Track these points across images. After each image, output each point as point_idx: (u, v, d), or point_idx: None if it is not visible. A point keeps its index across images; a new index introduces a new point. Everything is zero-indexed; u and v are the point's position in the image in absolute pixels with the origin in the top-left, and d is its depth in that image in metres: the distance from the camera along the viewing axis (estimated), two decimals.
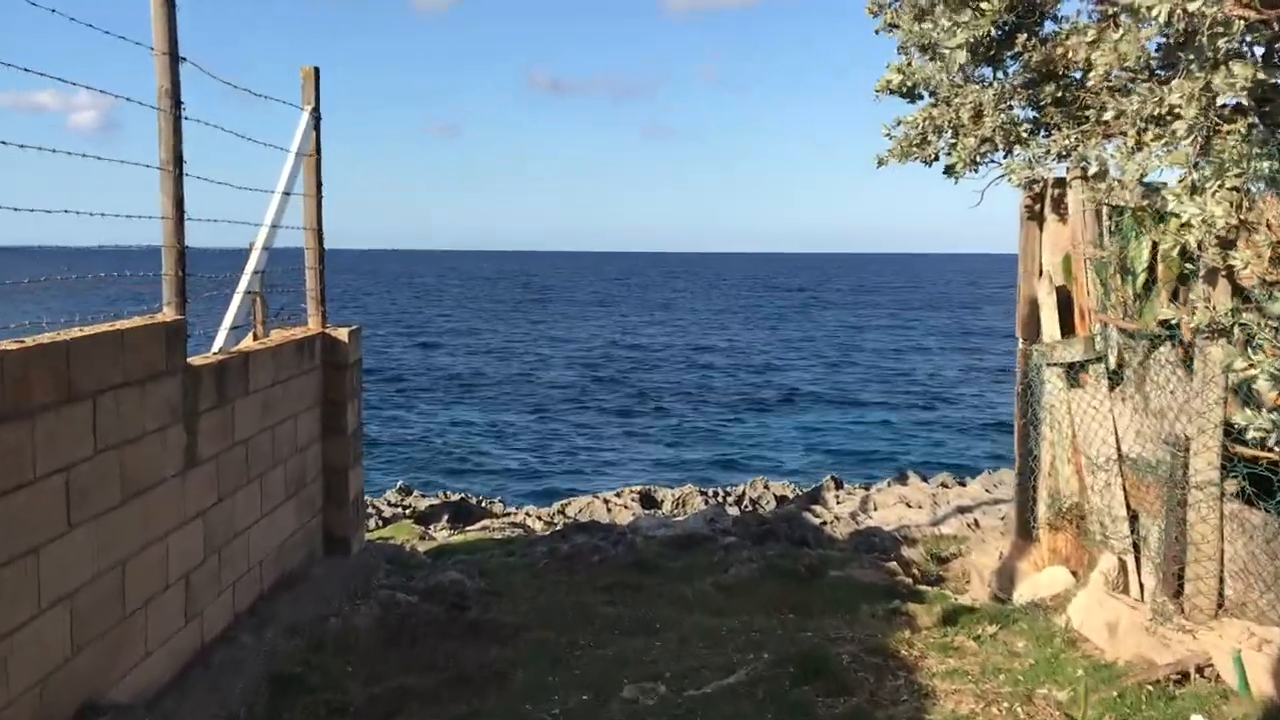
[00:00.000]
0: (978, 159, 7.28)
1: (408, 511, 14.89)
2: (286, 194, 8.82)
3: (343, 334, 9.69)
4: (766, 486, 17.14)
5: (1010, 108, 7.10)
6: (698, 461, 30.34)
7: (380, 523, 13.85)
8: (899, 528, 12.36)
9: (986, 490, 14.57)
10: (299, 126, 9.34)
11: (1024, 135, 7.06)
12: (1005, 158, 7.38)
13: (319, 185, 9.77)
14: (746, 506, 16.34)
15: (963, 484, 16.36)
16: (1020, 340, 8.13)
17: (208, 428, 6.76)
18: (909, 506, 13.50)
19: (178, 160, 6.20)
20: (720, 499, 16.20)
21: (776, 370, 57.46)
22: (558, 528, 13.49)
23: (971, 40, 6.29)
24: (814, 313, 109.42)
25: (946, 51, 6.37)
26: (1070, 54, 6.63)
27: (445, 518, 14.51)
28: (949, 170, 8.16)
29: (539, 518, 14.63)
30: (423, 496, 16.45)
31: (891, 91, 8.09)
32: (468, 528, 13.35)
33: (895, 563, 9.69)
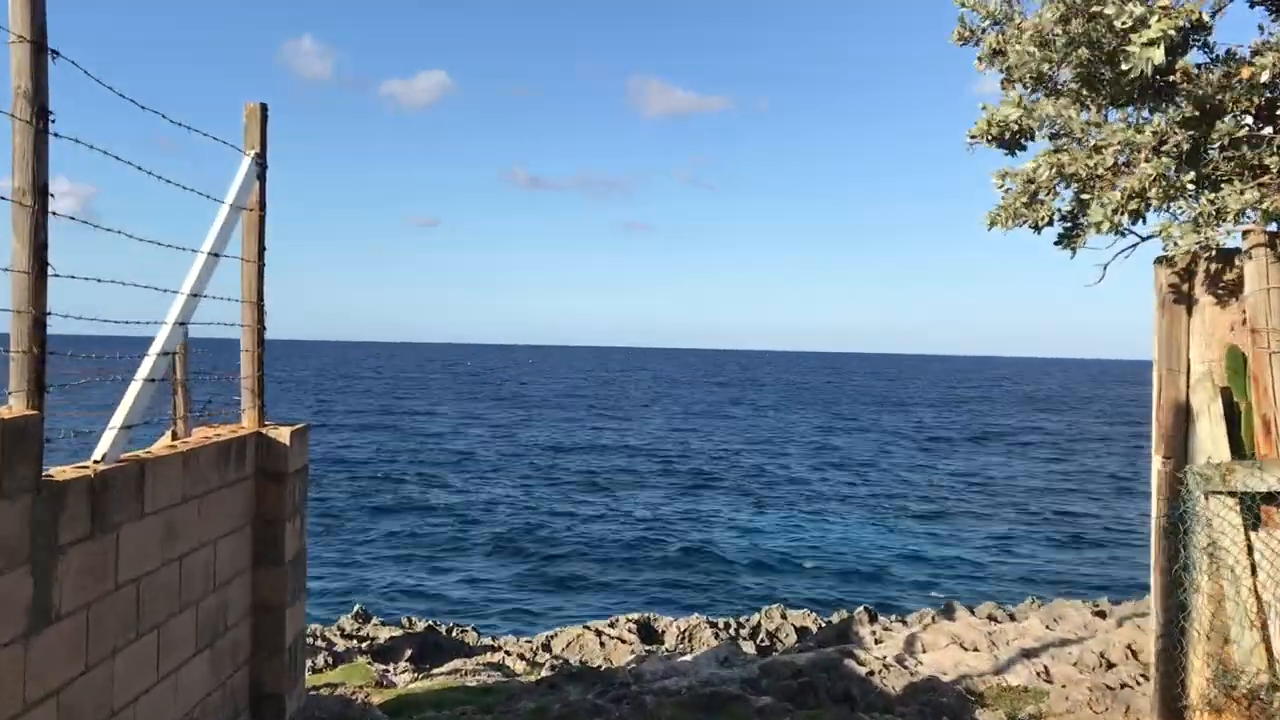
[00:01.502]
0: (1123, 219, 5.68)
1: (364, 645, 12.88)
2: (215, 255, 7.13)
3: (283, 434, 7.92)
4: (784, 616, 15.24)
5: (1168, 153, 5.53)
6: (692, 583, 28.31)
7: (330, 660, 11.84)
8: (959, 678, 10.50)
9: (1047, 626, 12.75)
10: (239, 174, 7.72)
11: (1188, 187, 5.48)
12: (1156, 217, 5.79)
13: (261, 249, 8.11)
14: (763, 640, 14.43)
15: (1013, 618, 14.51)
16: (1159, 459, 6.45)
17: (74, 568, 4.95)
18: (964, 649, 11.65)
19: (39, 191, 4.51)
20: (733, 632, 14.27)
21: (778, 473, 55.68)
22: (544, 670, 11.55)
23: (1169, 35, 4.72)
24: (770, 412, 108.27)
25: (1132, 50, 4.81)
26: (1255, 76, 5.08)
27: (408, 654, 12.50)
28: (1065, 238, 6.58)
29: (520, 655, 12.66)
30: (383, 624, 14.44)
31: (991, 139, 6.53)
32: (435, 670, 11.36)
33: None
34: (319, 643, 12.60)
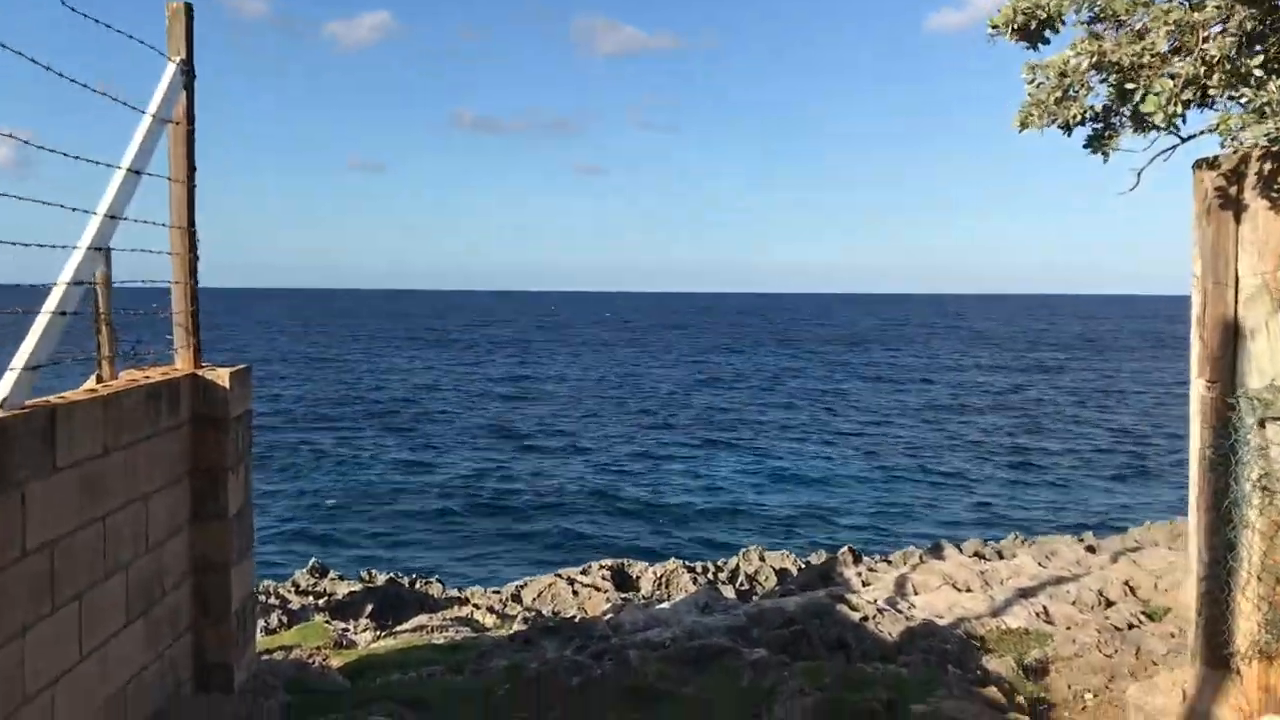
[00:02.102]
0: (1176, 109, 5.05)
1: (322, 602, 12.22)
2: (136, 173, 6.31)
3: (222, 376, 7.16)
4: (762, 559, 14.77)
5: (1230, 33, 4.89)
6: (663, 528, 27.79)
7: (285, 619, 11.18)
8: (956, 621, 10.05)
9: (1039, 564, 12.35)
10: (161, 82, 6.86)
11: (1255, 73, 4.84)
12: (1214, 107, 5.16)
13: (191, 167, 7.28)
14: (742, 584, 13.96)
15: (1001, 555, 14.14)
16: (1203, 384, 5.89)
17: None
18: (957, 589, 11.21)
19: None
20: (711, 576, 13.78)
21: (742, 412, 55.49)
22: (516, 623, 10.99)
23: None
24: (752, 353, 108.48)
25: None
26: None
27: (370, 609, 11.87)
28: (1097, 140, 5.96)
29: (490, 608, 12.08)
30: (342, 579, 13.78)
31: (1015, 30, 5.86)
32: (399, 627, 10.74)
33: (994, 687, 7.35)
34: (272, 600, 11.93)
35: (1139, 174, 6.07)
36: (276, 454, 39.66)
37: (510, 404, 59.24)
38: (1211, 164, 5.88)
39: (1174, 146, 5.93)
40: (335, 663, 9.22)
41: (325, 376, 73.90)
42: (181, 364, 7.28)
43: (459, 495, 32.10)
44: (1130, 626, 9.67)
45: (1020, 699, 7.38)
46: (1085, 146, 6.07)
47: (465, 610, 11.61)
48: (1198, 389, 6.03)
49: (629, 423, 51.09)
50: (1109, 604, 11.09)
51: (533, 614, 11.61)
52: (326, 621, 10.93)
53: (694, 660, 8.05)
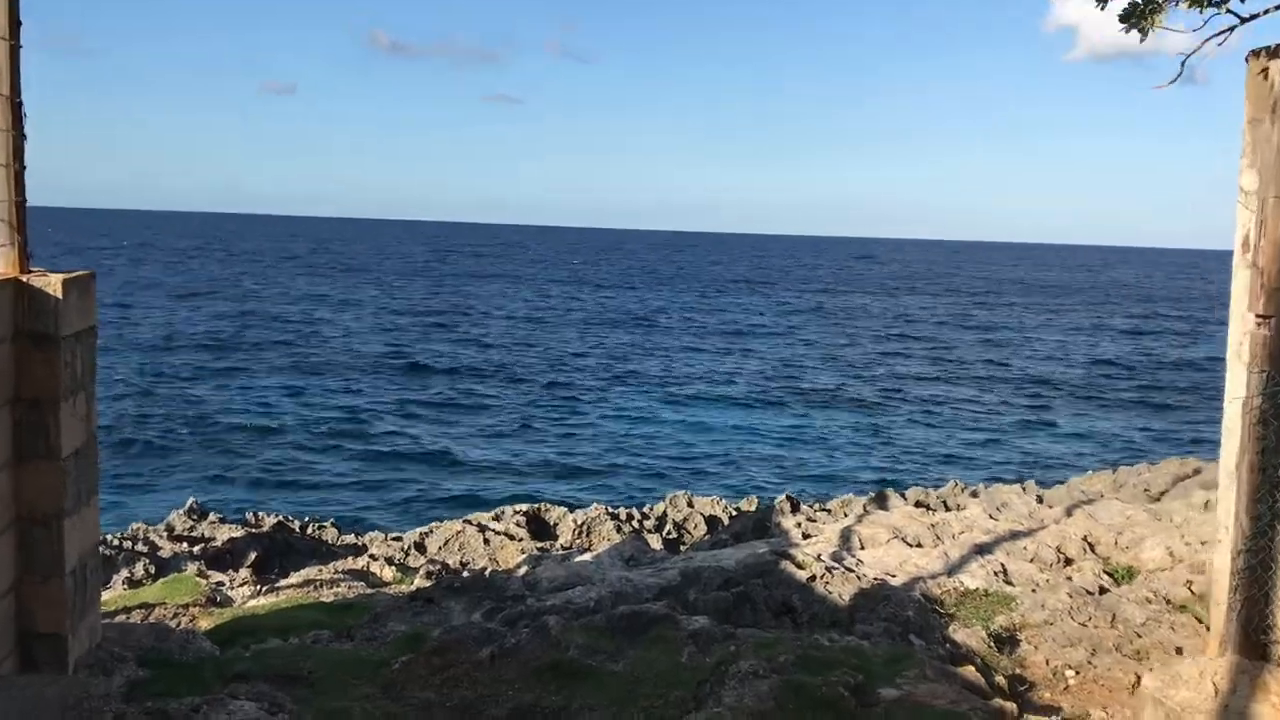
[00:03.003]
0: None
1: (197, 549, 10.98)
2: None
3: (53, 284, 5.89)
4: (690, 504, 13.88)
5: None
6: (583, 469, 26.66)
7: (151, 570, 9.93)
8: (910, 581, 9.25)
9: (990, 516, 11.66)
10: None
11: None
12: None
13: (14, 22, 5.90)
14: (670, 533, 13.06)
15: (947, 505, 13.48)
16: (1252, 320, 5.00)
17: None
18: (908, 544, 10.43)
19: None
20: (636, 523, 12.84)
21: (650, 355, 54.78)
22: (418, 577, 9.92)
23: None
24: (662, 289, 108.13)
25: None
26: None
27: (252, 558, 10.68)
28: (1135, 14, 5.00)
29: (388, 559, 10.98)
30: (222, 522, 12.51)
31: None
32: (283, 581, 9.57)
33: (969, 665, 6.50)
34: (139, 547, 10.65)
35: (1184, 61, 5.11)
36: (160, 380, 37.62)
37: (420, 336, 57.60)
38: (1277, 51, 4.94)
39: (1232, 28, 4.98)
40: (204, 624, 8.07)
41: (213, 305, 71.14)
42: (3, 267, 5.98)
43: (360, 432, 30.64)
44: (1102, 590, 8.96)
45: (1000, 679, 6.55)
46: (1122, 21, 5.09)
47: (361, 561, 10.48)
48: (1243, 326, 5.14)
49: (542, 360, 49.92)
50: (1068, 561, 10.42)
51: (437, 566, 10.54)
52: (200, 574, 9.72)
53: (625, 629, 7.07)
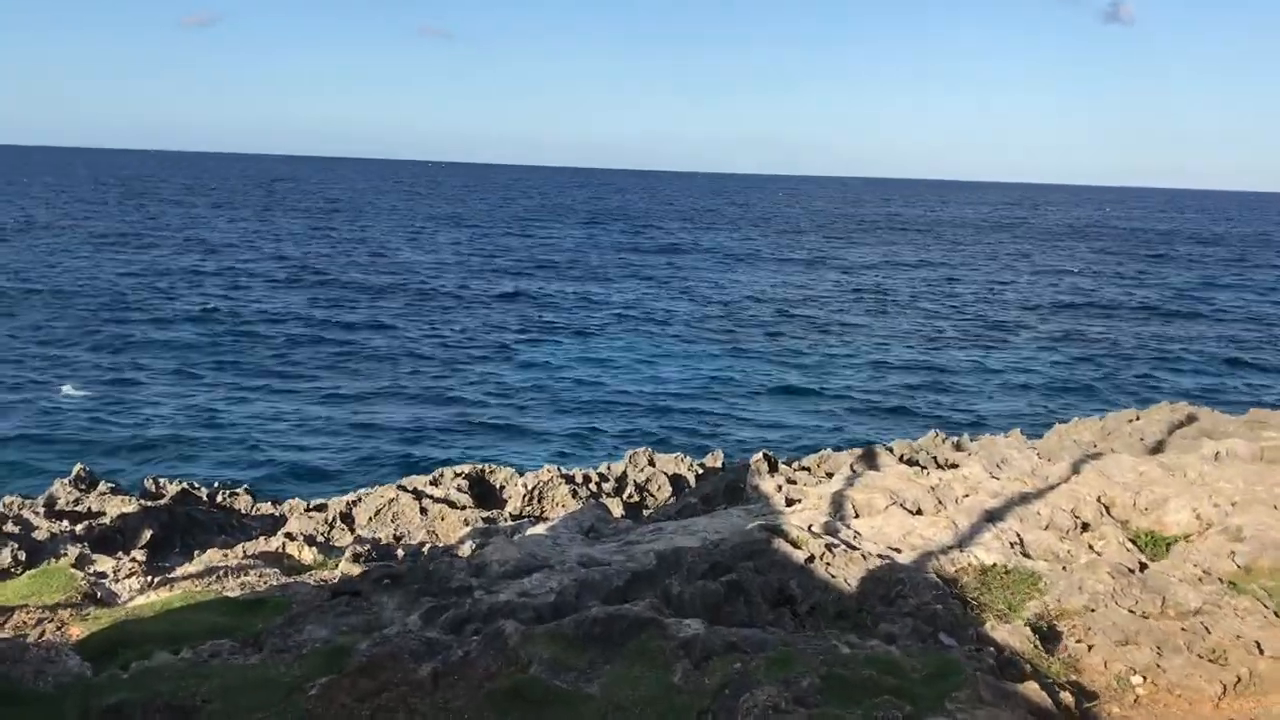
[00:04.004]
0: None
1: (81, 528, 9.47)
2: None
3: None
4: (652, 462, 12.64)
5: None
6: (527, 427, 24.99)
7: (20, 558, 8.44)
8: (920, 557, 8.11)
9: (992, 475, 10.57)
10: None
11: None
12: None
13: None
14: (631, 496, 11.83)
15: (938, 462, 12.39)
16: None
17: None
18: (908, 511, 9.29)
19: None
20: (594, 486, 11.56)
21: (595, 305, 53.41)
22: (344, 560, 8.57)
23: None
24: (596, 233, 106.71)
25: None
26: None
27: (147, 538, 9.23)
28: None
29: (309, 537, 9.60)
30: (114, 492, 10.98)
31: None
32: (179, 571, 8.14)
33: (1032, 684, 5.33)
34: (9, 528, 9.12)
35: None
36: (54, 326, 35.23)
37: (348, 272, 55.48)
38: None
39: None
40: (76, 632, 6.67)
41: (128, 244, 68.11)
42: None
43: (280, 386, 28.70)
44: (1142, 567, 7.88)
45: (1066, 696, 5.39)
46: None
47: (275, 542, 9.07)
48: None
49: (471, 301, 48.12)
50: (1085, 527, 9.37)
51: (366, 546, 9.18)
52: (80, 559, 8.26)
53: (600, 638, 5.81)
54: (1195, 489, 10.11)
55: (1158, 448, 13.96)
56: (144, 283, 48.28)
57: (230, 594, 7.44)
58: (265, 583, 7.74)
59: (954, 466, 12.55)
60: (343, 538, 10.02)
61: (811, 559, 7.60)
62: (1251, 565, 8.19)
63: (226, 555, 8.40)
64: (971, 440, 14.45)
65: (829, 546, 7.80)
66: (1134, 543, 9.09)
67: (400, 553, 9.11)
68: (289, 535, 9.35)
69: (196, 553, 9.11)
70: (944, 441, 14.33)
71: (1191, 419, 14.93)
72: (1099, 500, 9.92)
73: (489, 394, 28.55)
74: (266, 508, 11.27)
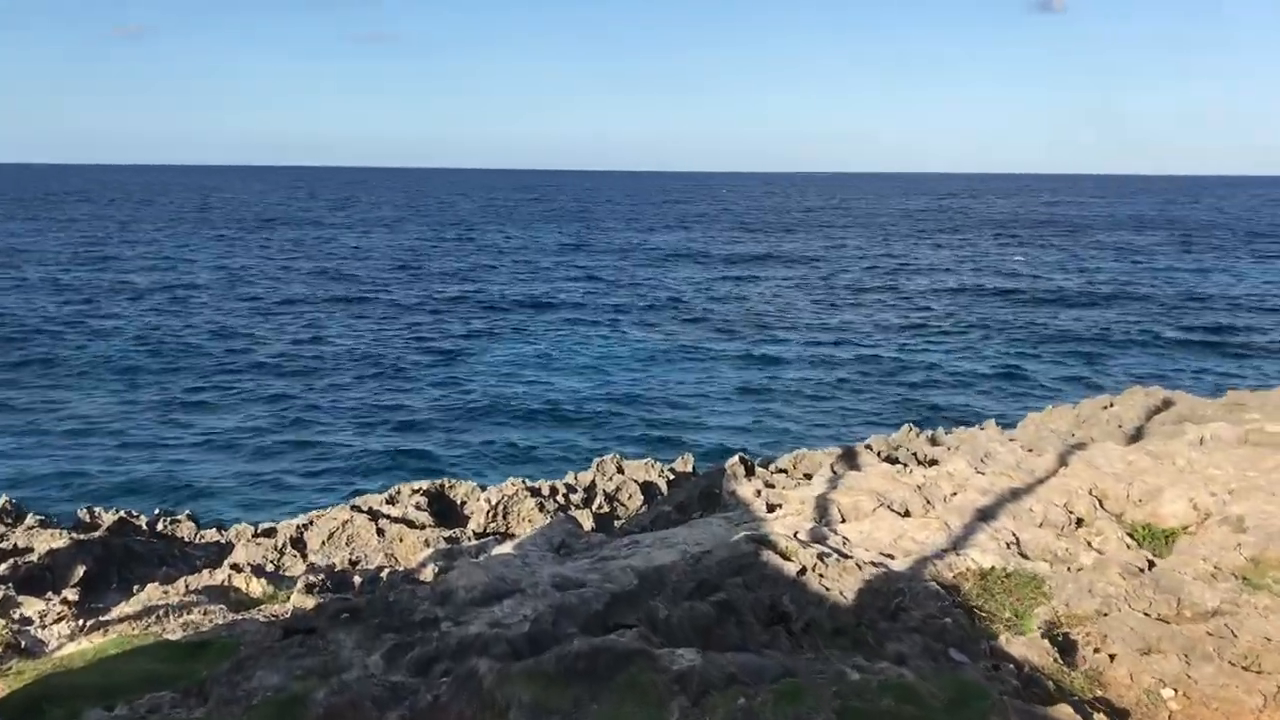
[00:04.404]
0: None
1: (4, 568, 8.74)
2: None
3: None
4: (621, 469, 12.11)
5: None
6: (488, 440, 24.22)
7: None
8: (916, 562, 7.67)
9: (978, 470, 10.17)
10: None
11: None
12: None
13: None
14: (601, 507, 11.29)
15: (918, 459, 11.98)
16: None
17: None
18: (897, 513, 8.85)
19: None
20: (561, 498, 11.00)
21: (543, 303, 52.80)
22: (297, 591, 7.97)
23: None
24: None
25: None
26: None
27: (80, 575, 8.54)
28: None
29: (258, 567, 8.96)
30: (44, 525, 10.24)
31: None
32: (114, 612, 7.47)
33: (1065, 707, 4.87)
34: None
35: None
36: None
37: (287, 284, 54.35)
38: None
39: None
40: None
41: (52, 261, 66.44)
42: None
43: (225, 400, 27.77)
44: (1150, 565, 7.48)
45: (1100, 719, 4.94)
46: None
47: (220, 574, 8.42)
48: None
49: (414, 309, 47.20)
50: (1079, 522, 9.00)
51: (321, 573, 8.56)
52: (1, 607, 7.55)
53: (584, 673, 5.27)
54: (1187, 477, 9.78)
55: (1137, 434, 13.70)
56: (70, 301, 46.88)
57: (171, 636, 6.80)
58: (210, 621, 7.10)
59: (934, 463, 12.16)
60: (294, 565, 9.38)
61: (803, 571, 7.11)
62: (1259, 557, 7.84)
63: (167, 592, 7.74)
64: (947, 434, 14.09)
65: (821, 556, 7.32)
66: (1131, 537, 8.74)
67: (357, 579, 8.51)
68: (235, 567, 8.69)
69: (135, 588, 8.45)
70: (919, 436, 13.95)
71: (1168, 403, 14.70)
72: (1091, 493, 9.56)
73: (441, 404, 27.81)
74: (211, 535, 10.59)
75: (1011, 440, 12.55)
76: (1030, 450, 11.30)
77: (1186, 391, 15.94)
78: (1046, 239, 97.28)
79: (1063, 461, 10.53)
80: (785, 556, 7.31)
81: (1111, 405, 15.18)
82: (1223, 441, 11.44)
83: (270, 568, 9.59)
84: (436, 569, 8.51)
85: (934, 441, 13.78)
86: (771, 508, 9.49)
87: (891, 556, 7.91)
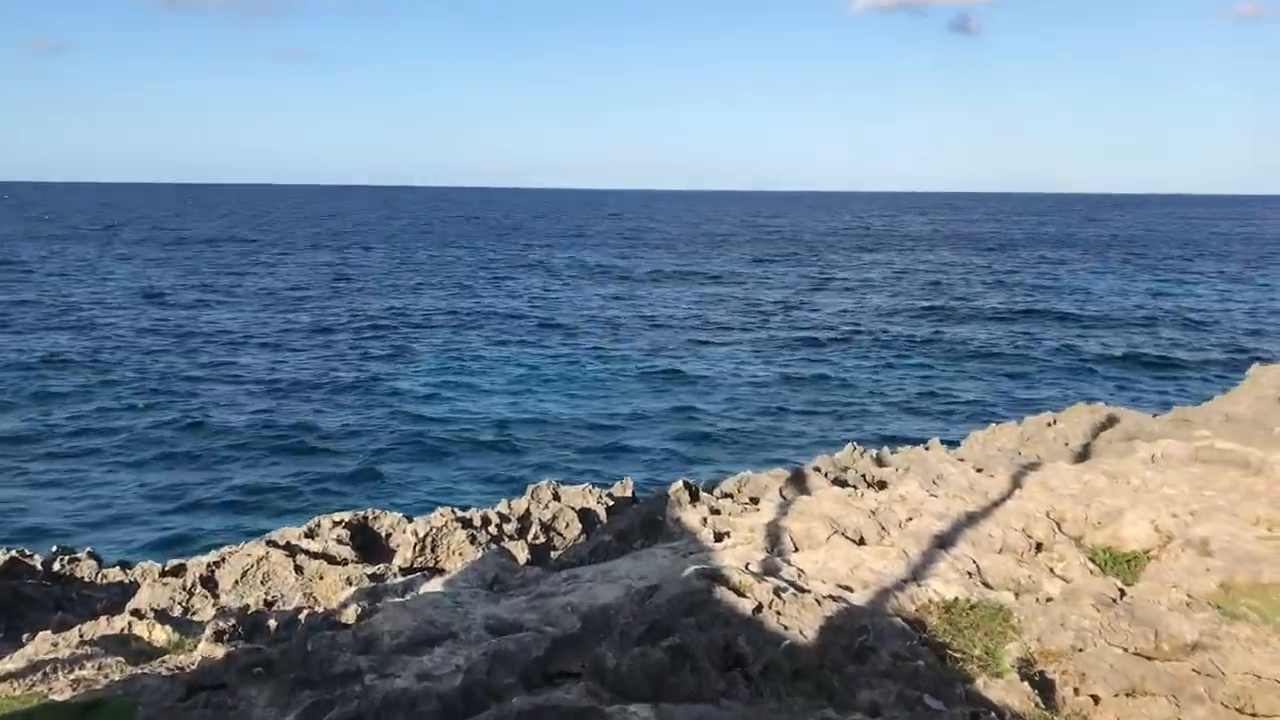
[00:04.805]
0: None
1: None
2: None
3: None
4: (557, 496, 11.54)
5: None
6: (407, 469, 23.34)
7: None
8: (876, 595, 7.25)
9: (930, 493, 9.81)
10: None
11: None
12: None
13: None
14: (536, 537, 10.72)
15: (867, 480, 11.60)
16: None
17: None
18: (851, 540, 8.43)
19: None
20: (494, 529, 10.41)
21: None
22: (205, 638, 7.31)
23: None
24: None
25: None
26: None
27: None
28: None
29: (162, 611, 8.25)
30: None
31: None
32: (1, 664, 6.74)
33: None
34: None
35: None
36: None
37: (196, 308, 52.80)
38: None
39: None
40: None
41: None
42: None
43: (133, 428, 26.49)
44: (1122, 595, 7.14)
45: None
46: None
47: (120, 621, 7.71)
48: None
49: (338, 328, 46.07)
50: (1039, 547, 8.67)
51: (232, 616, 7.88)
52: None
53: None
54: (1145, 498, 9.53)
55: (1084, 452, 13.50)
56: None
57: (59, 696, 6.12)
58: (105, 677, 6.42)
59: (883, 484, 11.80)
60: (204, 607, 8.68)
61: (759, 608, 6.63)
62: (1229, 583, 7.55)
63: (57, 644, 7.02)
64: (893, 454, 13.77)
65: (777, 591, 6.85)
66: (1093, 561, 8.44)
67: (273, 623, 7.85)
68: (137, 612, 7.97)
69: (26, 637, 7.70)
70: (863, 455, 13.60)
71: (1113, 420, 14.54)
72: (1049, 515, 9.25)
73: (363, 429, 26.90)
74: (115, 574, 9.82)
75: (960, 460, 12.26)
76: (980, 470, 10.99)
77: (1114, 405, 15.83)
78: (967, 255, 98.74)
79: (1016, 483, 10.22)
80: (739, 592, 6.83)
81: (1055, 423, 15.00)
82: (1174, 459, 11.25)
83: (178, 609, 8.87)
84: (359, 610, 7.90)
85: (880, 462, 13.45)
86: (719, 536, 9.03)
87: (849, 589, 7.48)
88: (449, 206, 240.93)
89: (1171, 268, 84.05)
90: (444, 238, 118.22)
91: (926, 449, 14.13)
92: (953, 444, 15.09)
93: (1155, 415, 14.78)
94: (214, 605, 8.64)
